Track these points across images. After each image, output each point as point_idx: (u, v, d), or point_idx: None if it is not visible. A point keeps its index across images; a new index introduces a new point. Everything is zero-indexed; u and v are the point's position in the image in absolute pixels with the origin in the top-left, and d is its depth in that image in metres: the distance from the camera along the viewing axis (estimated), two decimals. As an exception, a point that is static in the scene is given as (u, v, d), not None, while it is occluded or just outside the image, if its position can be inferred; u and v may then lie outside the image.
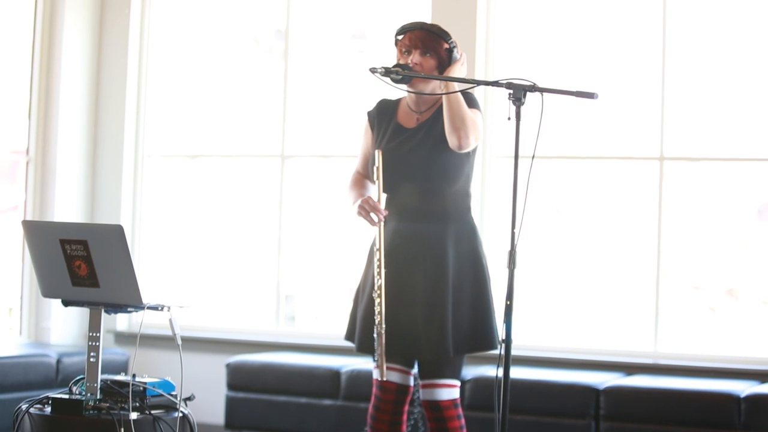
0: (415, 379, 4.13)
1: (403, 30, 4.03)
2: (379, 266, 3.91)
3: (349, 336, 4.16)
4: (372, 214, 3.93)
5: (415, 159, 3.99)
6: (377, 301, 3.90)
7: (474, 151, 4.06)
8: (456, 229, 4.02)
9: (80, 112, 7.16)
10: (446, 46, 3.99)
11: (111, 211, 7.15)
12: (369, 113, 4.19)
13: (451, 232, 4.00)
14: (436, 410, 3.99)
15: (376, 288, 3.91)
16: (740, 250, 6.21)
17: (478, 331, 4.00)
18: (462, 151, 3.92)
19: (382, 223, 3.94)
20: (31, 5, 7.05)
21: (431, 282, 3.97)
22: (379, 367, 3.92)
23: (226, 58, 7.26)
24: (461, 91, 3.97)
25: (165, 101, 7.31)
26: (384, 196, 4.03)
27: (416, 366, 4.09)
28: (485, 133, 6.34)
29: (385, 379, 3.95)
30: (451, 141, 3.89)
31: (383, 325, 3.89)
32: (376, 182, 3.96)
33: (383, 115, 4.14)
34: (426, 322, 3.95)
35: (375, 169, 3.96)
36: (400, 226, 4.02)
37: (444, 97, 3.92)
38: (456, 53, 3.99)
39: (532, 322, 6.36)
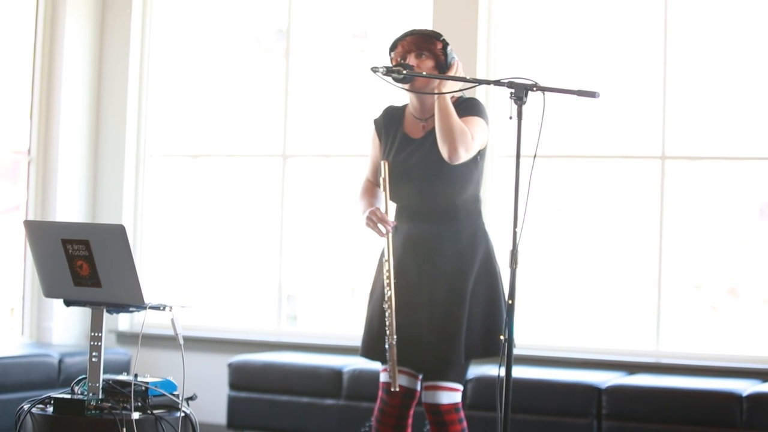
0: (422, 382, 4.13)
1: (395, 43, 4.03)
2: (389, 277, 3.91)
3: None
4: (380, 225, 3.93)
5: (424, 170, 3.98)
6: (387, 312, 3.90)
7: (483, 155, 4.04)
8: (468, 235, 4.01)
9: (82, 112, 7.16)
10: (439, 45, 3.98)
11: (113, 210, 7.15)
12: (375, 122, 4.18)
13: (464, 239, 4.00)
14: (437, 414, 3.99)
15: (386, 299, 3.91)
16: (742, 249, 6.21)
17: (489, 337, 3.99)
18: (454, 163, 3.91)
19: (390, 234, 3.94)
20: (32, 5, 7.05)
21: (446, 290, 3.96)
22: (392, 378, 3.92)
23: (228, 58, 7.26)
24: (467, 97, 3.99)
25: (166, 101, 7.31)
26: (393, 206, 4.03)
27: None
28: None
29: (397, 389, 3.95)
30: (442, 152, 3.89)
31: (394, 336, 3.89)
32: (384, 193, 3.97)
33: (390, 125, 4.13)
34: (439, 331, 3.94)
35: (382, 180, 3.96)
36: (411, 234, 4.02)
37: (435, 107, 3.92)
38: (450, 50, 3.98)
39: (533, 321, 6.36)
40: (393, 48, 4.03)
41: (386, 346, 3.91)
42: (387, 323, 3.89)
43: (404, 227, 4.02)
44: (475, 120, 3.95)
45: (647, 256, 6.20)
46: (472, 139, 3.88)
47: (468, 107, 3.98)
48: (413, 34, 4.00)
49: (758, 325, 6.11)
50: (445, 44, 3.98)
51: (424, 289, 3.97)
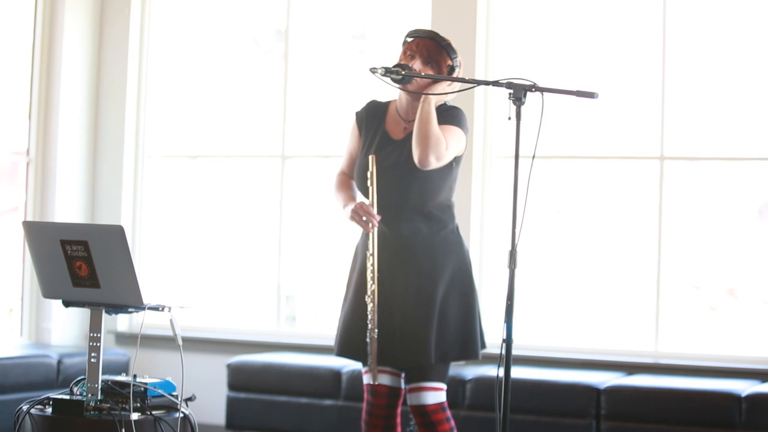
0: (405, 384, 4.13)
1: (415, 34, 4.02)
2: (373, 271, 3.92)
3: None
4: (365, 219, 3.93)
5: (399, 172, 3.98)
6: (369, 306, 3.91)
7: (458, 162, 4.06)
8: (441, 239, 4.03)
9: (80, 113, 7.16)
10: (449, 62, 3.98)
11: (111, 211, 7.15)
12: (357, 114, 4.18)
13: (436, 242, 4.01)
14: (424, 415, 4.00)
15: (368, 293, 3.92)
16: (741, 250, 6.21)
17: (464, 340, 4.02)
18: (424, 169, 3.91)
19: (376, 229, 3.95)
20: (31, 6, 7.05)
21: (416, 291, 3.98)
22: (371, 371, 3.93)
23: (226, 59, 7.26)
24: (450, 105, 4.00)
25: (165, 102, 7.31)
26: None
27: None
28: (486, 133, 6.34)
29: (377, 383, 3.96)
30: (414, 155, 3.90)
31: (376, 330, 3.89)
32: (370, 188, 3.97)
33: (371, 119, 4.13)
34: (407, 330, 3.95)
35: (369, 174, 3.97)
36: (384, 234, 4.02)
37: (418, 110, 3.91)
38: (457, 72, 3.99)
39: (532, 322, 6.36)
40: (410, 36, 4.02)
41: (368, 340, 3.92)
42: (369, 317, 3.90)
43: (379, 226, 4.02)
44: (453, 129, 3.96)
45: (646, 256, 6.20)
46: (446, 148, 3.89)
47: (449, 116, 3.99)
48: (434, 39, 3.98)
49: (757, 326, 6.11)
50: (454, 65, 3.97)
51: (397, 290, 3.98)
